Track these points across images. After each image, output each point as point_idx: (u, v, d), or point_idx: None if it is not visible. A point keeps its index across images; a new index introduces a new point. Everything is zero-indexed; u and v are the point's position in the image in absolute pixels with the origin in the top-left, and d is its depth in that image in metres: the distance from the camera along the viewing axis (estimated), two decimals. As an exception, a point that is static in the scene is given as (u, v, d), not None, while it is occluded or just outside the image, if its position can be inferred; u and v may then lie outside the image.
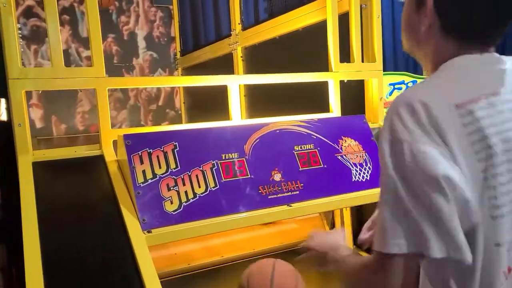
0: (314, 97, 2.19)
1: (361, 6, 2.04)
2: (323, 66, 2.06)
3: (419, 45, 0.84)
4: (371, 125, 1.95)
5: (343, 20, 2.04)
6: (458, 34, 0.78)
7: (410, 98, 0.71)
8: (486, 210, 0.70)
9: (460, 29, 0.78)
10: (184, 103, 4.08)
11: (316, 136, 1.76)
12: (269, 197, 1.56)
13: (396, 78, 3.98)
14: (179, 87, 4.26)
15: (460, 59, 0.77)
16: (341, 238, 1.11)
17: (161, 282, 1.22)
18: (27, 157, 1.49)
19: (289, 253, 2.21)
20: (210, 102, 3.10)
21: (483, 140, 0.70)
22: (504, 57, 0.80)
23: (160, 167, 1.45)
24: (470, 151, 0.69)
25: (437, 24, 0.78)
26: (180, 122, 4.26)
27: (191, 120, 3.99)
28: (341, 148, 1.78)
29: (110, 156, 1.58)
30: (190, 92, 3.92)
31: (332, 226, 2.35)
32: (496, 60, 0.79)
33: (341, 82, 2.03)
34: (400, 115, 0.71)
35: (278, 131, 1.72)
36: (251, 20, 2.88)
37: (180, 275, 1.98)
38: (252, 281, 1.53)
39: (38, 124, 3.86)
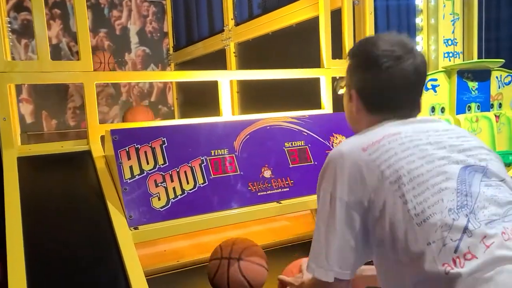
0: (306, 94, 2.18)
1: (353, 2, 2.03)
2: (316, 62, 2.05)
3: (357, 123, 1.12)
4: None
5: (336, 16, 2.03)
6: (376, 111, 1.07)
7: (337, 153, 1.00)
8: (411, 219, 0.89)
9: (376, 107, 1.07)
10: (176, 99, 4.05)
11: (307, 133, 1.75)
12: (259, 194, 1.55)
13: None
14: (171, 83, 4.23)
15: (377, 124, 1.05)
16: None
17: (150, 279, 1.21)
18: (12, 152, 1.46)
19: (280, 251, 2.20)
20: (203, 98, 3.08)
21: (390, 167, 0.93)
22: (428, 118, 1.14)
23: (147, 163, 1.43)
24: (381, 177, 0.93)
25: (363, 107, 1.08)
26: (172, 118, 4.22)
27: (183, 116, 3.97)
28: (332, 145, 1.77)
29: (97, 152, 1.56)
30: (183, 88, 3.90)
31: (323, 223, 2.34)
32: (412, 120, 1.05)
33: (333, 78, 2.02)
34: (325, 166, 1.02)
35: (268, 127, 1.70)
36: (244, 16, 2.86)
37: (170, 272, 1.95)
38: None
39: (28, 119, 3.81)
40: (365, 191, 0.93)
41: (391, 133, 0.99)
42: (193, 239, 2.08)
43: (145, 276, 1.21)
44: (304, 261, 1.29)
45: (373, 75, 1.04)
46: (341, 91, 1.19)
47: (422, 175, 0.92)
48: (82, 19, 1.54)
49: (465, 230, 0.86)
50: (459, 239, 0.86)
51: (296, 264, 1.35)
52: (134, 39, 4.27)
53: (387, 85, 1.03)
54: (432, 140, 0.99)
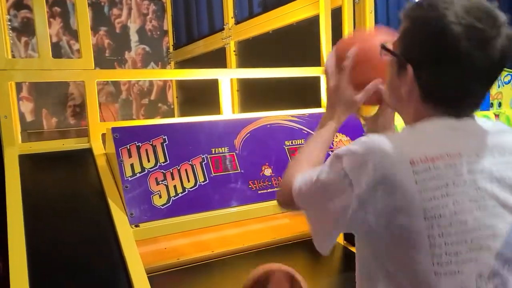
0: (306, 92, 2.18)
1: (353, 1, 2.03)
2: (316, 60, 2.05)
3: (401, 105, 0.87)
4: (363, 121, 1.94)
5: (336, 15, 2.03)
6: (434, 101, 0.81)
7: (375, 149, 0.77)
8: (430, 265, 0.73)
9: (435, 97, 0.81)
10: (176, 97, 4.05)
11: (307, 131, 1.75)
12: (259, 192, 1.55)
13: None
14: (171, 82, 4.23)
15: (428, 122, 0.81)
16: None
17: (150, 276, 1.21)
18: (13, 150, 1.47)
19: (281, 249, 2.20)
20: (203, 97, 3.08)
21: (433, 199, 0.73)
22: (486, 122, 0.84)
23: (148, 161, 1.44)
24: (419, 206, 0.72)
25: (416, 90, 0.81)
26: (172, 116, 4.22)
27: (183, 114, 3.97)
28: (333, 144, 1.77)
29: (98, 150, 1.56)
30: (183, 86, 3.90)
31: (323, 221, 2.35)
32: (471, 123, 0.83)
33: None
34: (356, 153, 0.78)
35: (269, 125, 1.70)
36: (244, 14, 2.86)
37: (170, 270, 1.96)
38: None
39: (29, 118, 3.81)
40: (389, 207, 0.74)
41: (451, 152, 0.76)
42: (193, 237, 2.08)
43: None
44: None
45: (444, 57, 0.76)
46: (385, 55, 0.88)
47: (466, 223, 0.73)
48: (83, 17, 1.55)
49: None
50: None
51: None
52: (134, 37, 4.26)
53: (461, 75, 0.77)
54: (496, 172, 0.77)
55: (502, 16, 0.76)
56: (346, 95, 1.03)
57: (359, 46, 1.01)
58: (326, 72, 1.06)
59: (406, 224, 0.73)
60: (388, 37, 0.93)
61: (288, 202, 0.96)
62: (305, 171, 0.93)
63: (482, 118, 0.86)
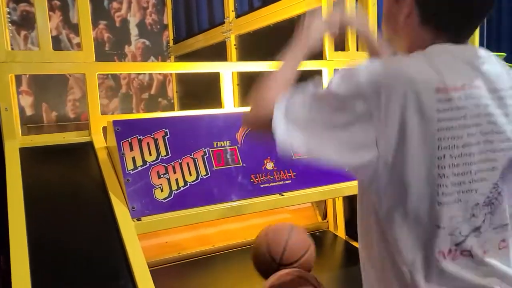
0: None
1: (356, -7, 2.02)
2: (317, 54, 2.04)
3: (397, 34, 0.87)
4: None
5: (338, 8, 2.01)
6: (434, 25, 0.81)
7: (399, 73, 0.75)
8: (433, 195, 0.75)
9: (436, 20, 0.81)
10: (176, 92, 4.04)
11: (309, 125, 1.74)
12: (261, 186, 1.55)
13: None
14: (171, 76, 4.21)
15: (437, 47, 0.80)
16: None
17: (151, 270, 1.20)
18: (13, 143, 1.46)
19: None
20: (203, 91, 3.06)
21: (449, 130, 0.74)
22: (480, 50, 0.84)
23: (150, 154, 1.43)
24: (435, 136, 0.73)
25: (415, 14, 0.81)
26: (172, 111, 4.21)
27: (183, 109, 3.95)
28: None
29: (99, 143, 1.55)
30: (183, 81, 3.88)
31: (324, 216, 2.35)
32: (471, 53, 0.82)
33: (335, 70, 2.01)
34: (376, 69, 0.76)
35: (271, 119, 1.69)
36: (245, 8, 2.84)
37: (171, 264, 1.96)
38: (267, 242, 1.48)
39: (28, 112, 3.79)
40: (406, 142, 0.73)
41: (472, 83, 0.76)
42: (194, 231, 2.08)
43: (148, 268, 1.21)
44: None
45: None
46: None
47: (473, 155, 0.76)
48: (84, 9, 1.53)
49: (476, 229, 0.79)
50: (466, 235, 0.78)
51: None
52: (134, 31, 4.24)
53: None
54: (510, 106, 0.79)
55: None
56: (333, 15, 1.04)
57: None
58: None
59: (419, 155, 0.73)
60: None
61: (261, 125, 0.86)
62: (287, 92, 0.87)
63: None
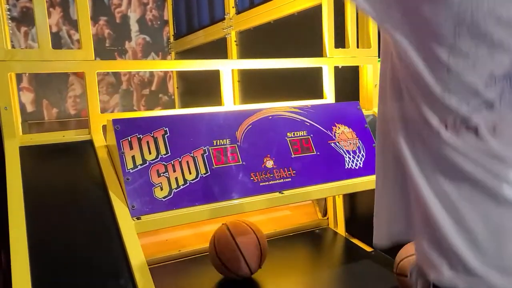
0: (308, 83, 2.16)
1: (357, -10, 2.00)
2: (318, 51, 2.03)
3: None
4: (365, 112, 1.93)
5: (339, 4, 2.01)
6: None
7: None
8: (446, 53, 0.68)
9: None
10: (177, 88, 4.04)
11: (309, 123, 1.74)
12: (261, 184, 1.55)
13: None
14: (172, 72, 4.21)
15: None
16: None
17: (151, 268, 1.21)
18: (13, 141, 1.46)
19: (282, 240, 2.21)
20: (204, 88, 3.06)
21: None
22: None
23: (150, 153, 1.43)
24: None
25: None
26: (173, 107, 4.21)
27: (184, 105, 3.96)
28: (335, 135, 1.76)
29: (99, 141, 1.55)
30: (184, 77, 3.88)
31: (325, 213, 2.35)
32: None
33: (336, 67, 2.01)
34: None
35: (270, 117, 1.69)
36: (245, 4, 2.83)
37: (171, 262, 1.97)
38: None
39: (29, 108, 3.80)
40: None
41: None
42: (194, 228, 2.09)
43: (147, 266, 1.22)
44: None
45: None
46: None
47: (500, 19, 0.66)
48: (83, 7, 1.53)
49: (489, 104, 0.69)
50: (476, 110, 0.70)
51: None
52: (134, 27, 4.23)
53: None
54: None
55: None
56: None
57: None
58: None
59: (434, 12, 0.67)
60: None
61: None
62: None
63: None
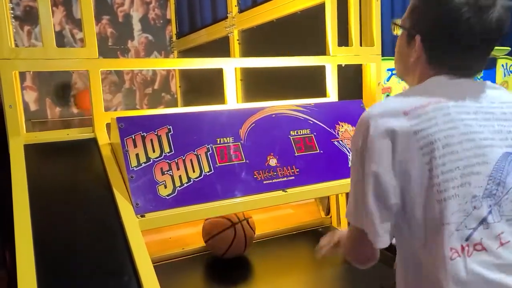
0: (311, 81, 2.16)
1: (360, -12, 2.00)
2: (321, 49, 2.03)
3: (408, 72, 1.03)
4: (368, 111, 1.92)
5: (342, 3, 2.01)
6: (439, 64, 0.96)
7: (368, 115, 0.92)
8: (433, 195, 0.84)
9: (440, 62, 0.96)
10: (180, 87, 4.04)
11: (312, 121, 1.74)
12: (265, 182, 1.55)
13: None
14: (175, 71, 4.21)
15: (427, 81, 0.96)
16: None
17: (155, 266, 1.21)
18: (18, 140, 1.46)
19: (285, 238, 2.21)
20: (206, 86, 3.06)
21: (426, 137, 0.86)
22: (487, 83, 0.97)
23: (154, 151, 1.43)
24: (416, 146, 0.86)
25: (422, 56, 0.97)
26: (175, 106, 4.21)
27: (187, 104, 3.96)
28: (338, 134, 1.76)
29: (103, 140, 1.55)
30: (186, 76, 3.88)
31: (328, 211, 2.35)
32: (465, 80, 0.95)
33: (339, 66, 2.00)
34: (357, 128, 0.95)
35: (274, 115, 1.69)
36: (248, 2, 2.83)
37: (175, 260, 1.97)
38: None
39: (33, 107, 3.81)
40: (394, 159, 0.87)
41: (439, 99, 0.90)
42: (198, 226, 2.09)
43: (151, 264, 1.22)
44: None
45: (447, 25, 0.90)
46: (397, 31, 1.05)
47: (457, 152, 0.85)
48: (87, 6, 1.53)
49: (483, 221, 0.82)
50: (474, 228, 0.82)
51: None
52: (137, 26, 4.24)
53: (462, 39, 0.90)
54: (482, 114, 0.90)
55: None
56: None
57: None
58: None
59: (408, 166, 0.86)
60: None
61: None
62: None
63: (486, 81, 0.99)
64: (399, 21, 1.03)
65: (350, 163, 1.01)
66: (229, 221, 1.87)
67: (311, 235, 2.25)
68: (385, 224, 0.90)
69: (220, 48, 3.09)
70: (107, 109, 1.63)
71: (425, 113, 0.88)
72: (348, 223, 1.10)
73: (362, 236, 0.94)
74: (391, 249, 1.00)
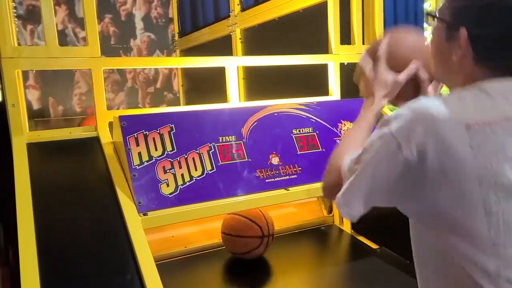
0: (314, 80, 2.16)
1: (362, -14, 2.00)
2: (323, 48, 2.03)
3: (450, 73, 0.86)
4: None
5: (344, 1, 2.00)
6: (493, 62, 0.79)
7: (427, 114, 0.74)
8: (486, 233, 0.71)
9: (493, 59, 0.79)
10: (182, 85, 4.04)
11: (315, 120, 1.74)
12: (267, 180, 1.55)
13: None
14: (177, 70, 4.21)
15: (488, 83, 0.78)
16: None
17: (157, 265, 1.21)
18: (21, 138, 1.47)
19: (287, 237, 2.21)
20: (208, 85, 3.06)
21: (491, 166, 0.70)
22: None
23: (156, 150, 1.43)
24: (473, 175, 0.70)
25: (469, 54, 0.80)
26: (178, 104, 4.22)
27: (189, 103, 3.96)
28: (340, 132, 1.76)
29: (105, 138, 1.56)
30: (188, 74, 3.88)
31: (330, 210, 2.35)
32: None
33: (341, 64, 2.00)
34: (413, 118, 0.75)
35: (276, 114, 1.69)
36: (250, 1, 2.83)
37: (177, 258, 1.97)
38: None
39: (35, 106, 3.82)
40: (438, 172, 0.72)
41: (509, 115, 0.73)
42: (200, 225, 2.09)
43: (154, 262, 1.22)
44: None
45: (501, 16, 0.76)
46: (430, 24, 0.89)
47: None
48: (89, 4, 1.53)
49: None
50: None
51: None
52: (139, 25, 4.24)
53: None
54: None
55: None
56: (388, 78, 1.03)
57: (390, 36, 1.04)
58: (361, 66, 1.09)
59: (457, 190, 0.71)
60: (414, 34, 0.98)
61: (334, 188, 0.88)
62: (352, 152, 0.88)
63: None
64: (435, 12, 0.86)
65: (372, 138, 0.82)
66: (260, 230, 1.84)
67: (313, 233, 2.25)
68: (365, 206, 0.81)
69: (223, 46, 3.09)
70: (109, 108, 1.63)
71: (492, 132, 0.72)
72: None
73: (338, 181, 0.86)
74: (397, 249, 0.96)
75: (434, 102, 0.75)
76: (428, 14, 0.87)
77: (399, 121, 0.75)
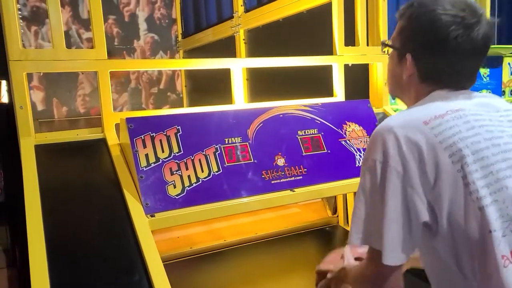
0: (318, 81, 2.17)
1: (366, -12, 2.01)
2: (328, 49, 2.03)
3: (402, 90, 1.05)
4: (375, 110, 1.93)
5: (349, 2, 2.01)
6: (433, 81, 0.98)
7: (386, 127, 0.90)
8: (472, 202, 0.83)
9: (433, 78, 0.98)
10: (185, 86, 4.05)
11: (320, 121, 1.75)
12: (272, 182, 1.56)
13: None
14: (180, 71, 4.22)
15: (429, 95, 0.98)
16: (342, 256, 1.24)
17: (164, 265, 1.22)
18: (29, 140, 1.48)
19: (292, 237, 2.22)
20: (212, 86, 3.07)
21: (453, 145, 0.86)
22: (484, 93, 0.99)
23: (163, 151, 1.44)
24: (445, 155, 0.85)
25: (415, 74, 0.99)
26: (181, 105, 4.23)
27: (192, 103, 3.97)
28: (345, 133, 1.77)
29: (112, 140, 1.57)
30: (192, 75, 3.89)
31: (334, 210, 2.36)
32: (465, 92, 0.98)
33: (346, 65, 2.01)
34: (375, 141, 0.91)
35: (281, 115, 1.70)
36: (253, 2, 2.84)
37: (183, 259, 1.98)
38: None
39: (39, 107, 3.83)
40: (422, 171, 0.85)
41: (454, 108, 0.91)
42: (206, 225, 2.10)
43: (160, 263, 1.23)
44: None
45: (437, 43, 0.93)
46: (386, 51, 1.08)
47: (487, 158, 0.86)
48: (96, 7, 1.54)
49: None
50: None
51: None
52: (142, 25, 4.25)
53: (451, 56, 0.93)
54: (495, 121, 0.92)
55: (480, 8, 0.94)
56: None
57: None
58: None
59: (440, 178, 0.84)
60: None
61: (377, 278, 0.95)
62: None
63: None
64: (388, 41, 1.06)
65: (361, 179, 0.93)
66: None
67: (318, 234, 2.26)
68: (405, 243, 0.86)
69: (226, 47, 3.10)
70: (113, 108, 1.64)
71: (445, 121, 0.88)
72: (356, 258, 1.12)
73: (377, 261, 0.88)
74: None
75: (389, 118, 0.94)
76: (384, 44, 1.07)
77: (371, 147, 0.91)
